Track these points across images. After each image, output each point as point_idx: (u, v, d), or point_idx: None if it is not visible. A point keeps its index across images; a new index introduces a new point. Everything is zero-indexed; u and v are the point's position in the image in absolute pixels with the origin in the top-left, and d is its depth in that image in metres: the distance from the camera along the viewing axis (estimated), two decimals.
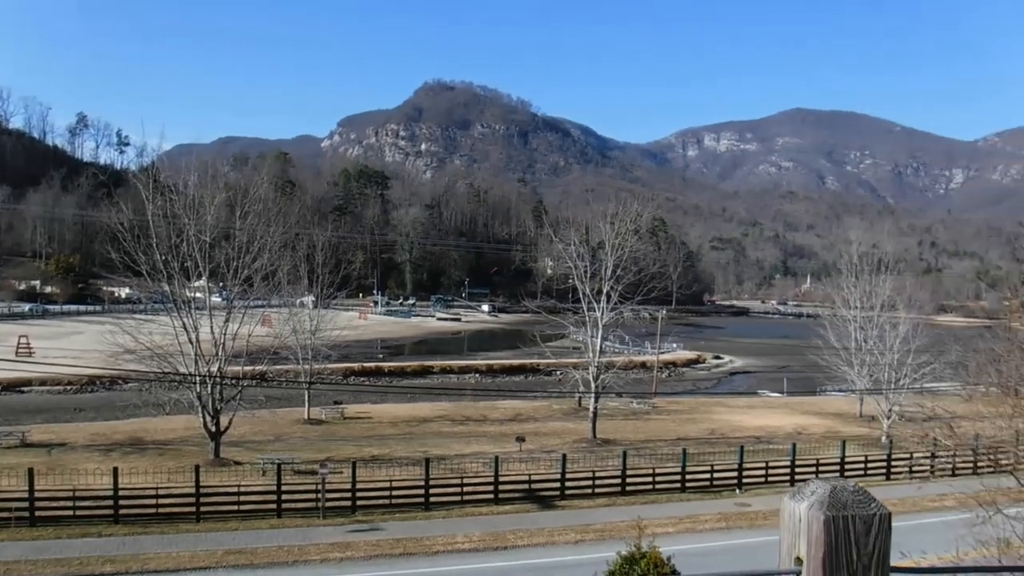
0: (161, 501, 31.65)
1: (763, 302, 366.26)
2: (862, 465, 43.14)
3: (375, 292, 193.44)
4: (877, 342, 56.21)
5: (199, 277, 42.41)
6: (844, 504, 2.02)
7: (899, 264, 71.35)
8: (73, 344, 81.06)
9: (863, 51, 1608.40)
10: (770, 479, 40.25)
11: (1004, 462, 23.41)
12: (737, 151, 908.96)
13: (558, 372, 66.96)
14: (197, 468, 32.67)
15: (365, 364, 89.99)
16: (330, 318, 58.97)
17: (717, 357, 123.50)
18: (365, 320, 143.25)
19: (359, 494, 33.79)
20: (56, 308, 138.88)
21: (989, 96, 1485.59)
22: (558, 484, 36.75)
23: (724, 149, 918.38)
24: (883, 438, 50.31)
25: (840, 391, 69.67)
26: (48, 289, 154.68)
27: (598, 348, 51.64)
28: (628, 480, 37.87)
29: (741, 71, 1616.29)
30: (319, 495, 32.84)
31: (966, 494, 14.69)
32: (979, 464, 37.07)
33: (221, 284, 46.54)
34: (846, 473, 42.13)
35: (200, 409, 40.44)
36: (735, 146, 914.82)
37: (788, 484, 39.86)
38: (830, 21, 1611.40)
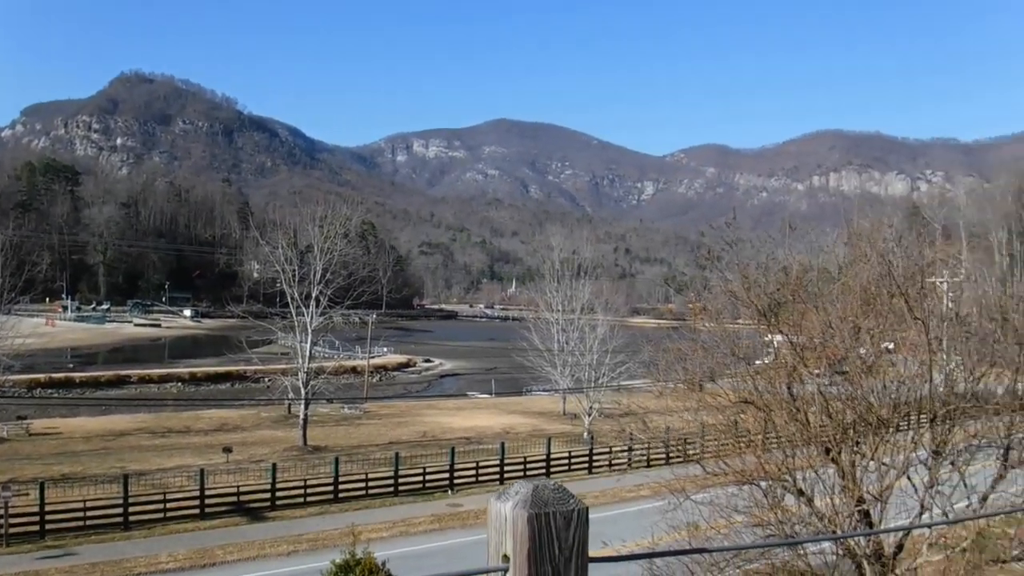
0: None
1: (471, 306, 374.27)
2: (567, 461, 45.28)
3: (64, 296, 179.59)
4: (578, 343, 59.23)
5: None
6: (546, 502, 2.10)
7: (597, 269, 75.68)
8: None
9: (565, 65, 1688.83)
10: (480, 479, 41.34)
11: (692, 452, 25.43)
12: (445, 158, 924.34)
13: (266, 379, 65.31)
14: None
15: (53, 375, 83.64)
16: (12, 325, 54.08)
17: (427, 360, 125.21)
18: (53, 327, 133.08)
19: (48, 517, 31.30)
20: None
21: (676, 115, 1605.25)
22: (268, 495, 35.90)
23: (433, 156, 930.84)
24: (585, 434, 52.94)
25: (545, 391, 72.60)
26: None
27: (307, 353, 50.89)
28: (341, 487, 37.65)
29: (448, 79, 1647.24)
30: (1, 521, 30.17)
31: (659, 483, 15.81)
32: (671, 455, 39.90)
33: None
34: (552, 469, 44.05)
35: None
36: (443, 153, 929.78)
37: (498, 483, 41.10)
38: (534, 34, 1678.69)
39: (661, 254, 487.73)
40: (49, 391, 78.66)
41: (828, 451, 14.35)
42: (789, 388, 14.95)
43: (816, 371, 15.43)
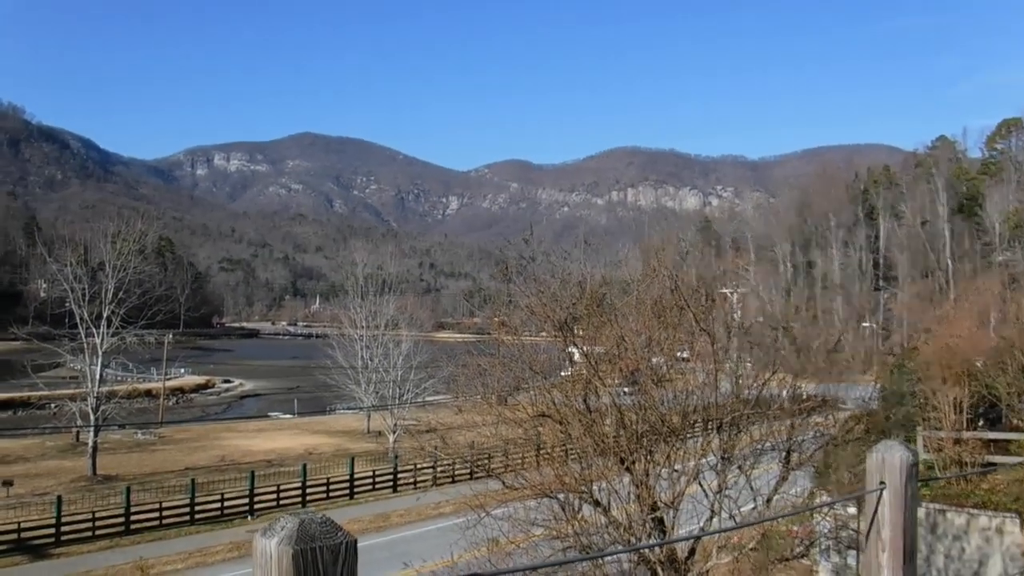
0: None
1: (273, 323, 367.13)
2: (371, 480, 44.81)
3: None
4: (382, 360, 58.84)
5: None
6: (312, 536, 2.04)
7: (402, 284, 75.58)
8: None
9: (370, 79, 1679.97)
10: (282, 502, 40.25)
11: (493, 467, 25.61)
12: (248, 172, 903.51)
13: (53, 405, 61.69)
14: None
15: None
16: None
17: (227, 381, 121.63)
18: None
19: None
20: None
21: (480, 131, 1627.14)
22: (53, 530, 33.67)
23: (235, 169, 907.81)
24: (390, 452, 52.52)
25: (349, 409, 71.74)
26: None
27: (98, 376, 48.41)
28: (133, 517, 35.72)
29: (250, 92, 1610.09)
30: None
31: (460, 499, 15.76)
32: (475, 471, 40.04)
33: None
34: (356, 489, 43.55)
35: None
36: (246, 167, 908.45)
37: (300, 505, 40.25)
38: (339, 46, 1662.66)
39: (466, 268, 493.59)
40: None
41: (623, 461, 14.64)
42: (585, 400, 15.18)
43: (611, 383, 15.76)
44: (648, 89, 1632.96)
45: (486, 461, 32.19)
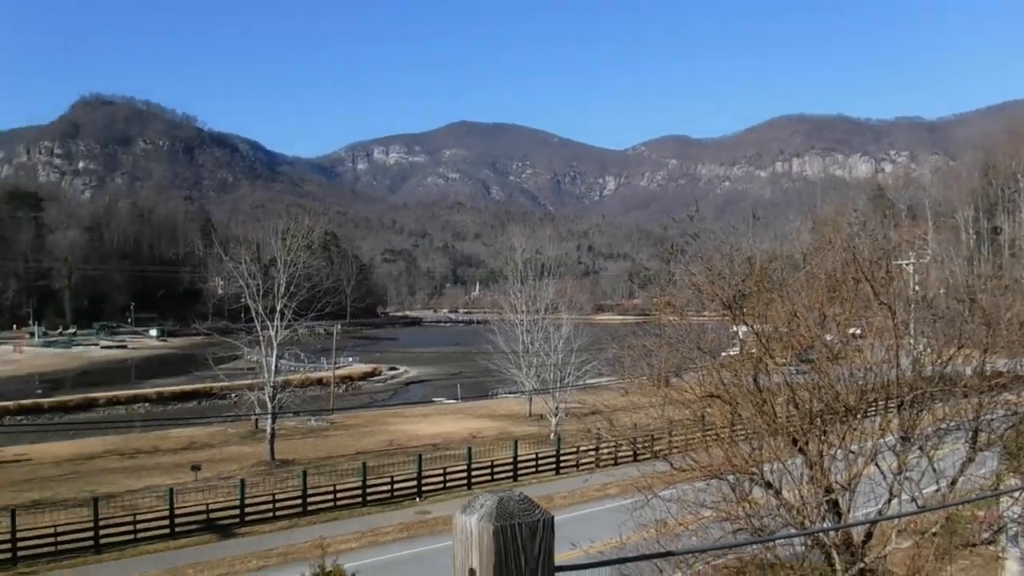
0: None
1: (435, 311, 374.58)
2: (533, 462, 45.09)
3: (31, 323, 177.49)
4: (543, 344, 59.12)
5: None
6: (511, 514, 2.08)
7: (560, 268, 75.62)
8: None
9: (523, 64, 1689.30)
10: (448, 485, 41.04)
11: (659, 448, 25.29)
12: (406, 164, 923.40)
13: (233, 395, 64.78)
14: None
15: (22, 401, 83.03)
16: None
17: (393, 368, 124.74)
18: (21, 354, 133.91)
19: (20, 544, 30.64)
20: None
21: (635, 108, 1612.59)
22: (237, 511, 35.49)
23: (393, 162, 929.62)
24: (552, 435, 52.74)
25: (511, 393, 72.42)
26: None
27: (273, 367, 50.51)
28: (309, 499, 37.28)
29: (406, 85, 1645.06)
30: None
31: (626, 481, 15.59)
32: (638, 452, 39.74)
33: None
34: (519, 471, 43.86)
35: None
36: (404, 159, 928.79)
37: (466, 488, 40.88)
38: (490, 35, 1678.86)
39: (624, 249, 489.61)
40: (19, 418, 77.92)
41: (795, 442, 14.19)
42: (755, 379, 14.77)
43: (782, 361, 15.28)
44: (812, 52, 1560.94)
45: (652, 443, 31.89)
